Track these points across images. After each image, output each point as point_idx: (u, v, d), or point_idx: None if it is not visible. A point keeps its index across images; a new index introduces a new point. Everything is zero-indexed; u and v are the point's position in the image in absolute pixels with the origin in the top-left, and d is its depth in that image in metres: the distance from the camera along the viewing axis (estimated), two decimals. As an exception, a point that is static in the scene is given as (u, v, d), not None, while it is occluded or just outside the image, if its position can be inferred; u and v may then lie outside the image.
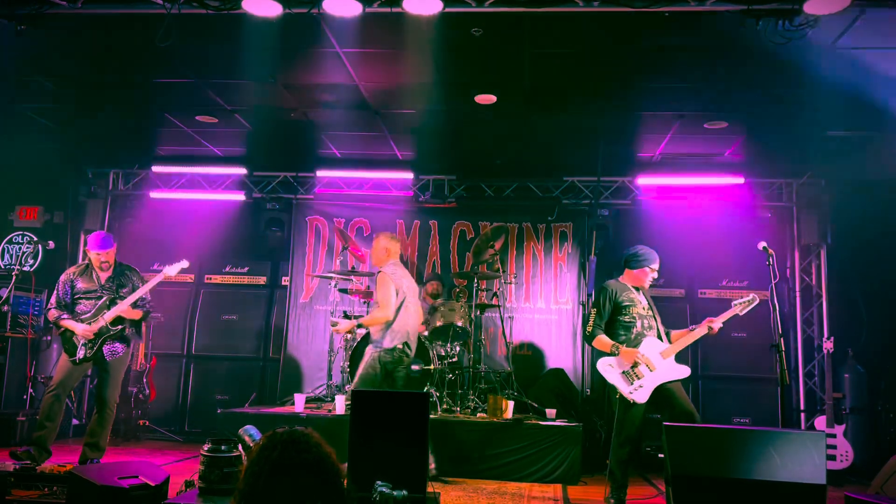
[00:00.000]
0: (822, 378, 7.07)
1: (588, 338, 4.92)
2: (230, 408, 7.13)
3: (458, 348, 6.98)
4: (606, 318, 4.86)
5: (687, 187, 8.06)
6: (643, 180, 8.12)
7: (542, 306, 8.08)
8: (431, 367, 6.61)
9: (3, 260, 8.51)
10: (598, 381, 7.74)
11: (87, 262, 5.48)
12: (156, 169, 8.61)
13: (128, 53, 5.73)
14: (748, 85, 5.93)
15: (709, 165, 7.89)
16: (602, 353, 4.79)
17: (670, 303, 7.84)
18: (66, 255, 8.38)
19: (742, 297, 4.78)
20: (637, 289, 4.95)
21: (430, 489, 3.96)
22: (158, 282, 5.49)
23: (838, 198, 7.65)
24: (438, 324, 6.71)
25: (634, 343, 4.76)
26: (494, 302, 7.32)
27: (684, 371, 4.74)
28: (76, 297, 5.35)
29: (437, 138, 7.49)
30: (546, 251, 8.21)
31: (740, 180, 7.88)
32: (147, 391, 7.69)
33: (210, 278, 8.52)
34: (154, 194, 8.62)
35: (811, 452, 3.56)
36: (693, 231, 7.95)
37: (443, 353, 6.85)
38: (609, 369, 4.74)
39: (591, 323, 4.90)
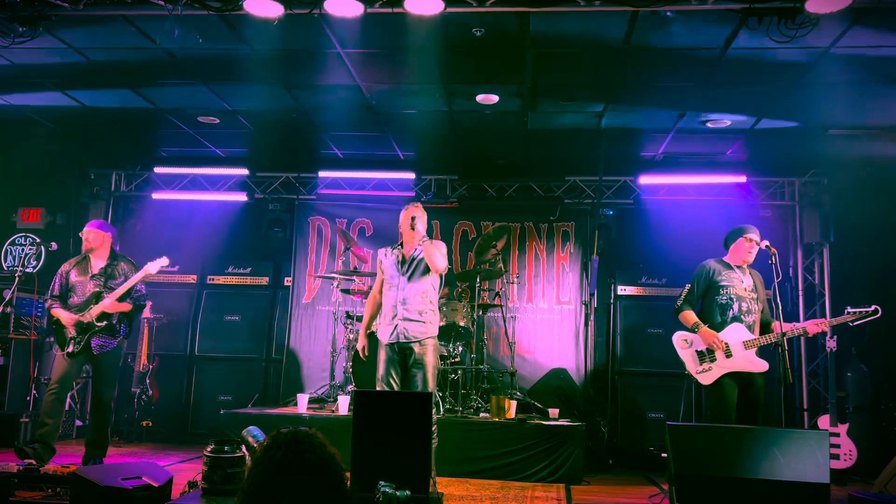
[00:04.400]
0: (825, 377, 7.05)
1: (675, 311, 4.98)
2: (233, 408, 7.14)
3: (460, 348, 6.99)
4: (698, 295, 4.90)
5: (689, 186, 8.06)
6: (645, 179, 8.11)
7: (544, 306, 8.08)
8: (434, 367, 6.60)
9: (6, 262, 8.52)
10: (601, 380, 7.77)
11: (84, 253, 5.47)
12: (158, 170, 8.62)
13: (129, 55, 5.74)
14: (750, 84, 5.93)
15: (711, 164, 7.89)
16: (684, 328, 4.86)
17: (673, 302, 7.81)
18: (69, 257, 8.33)
19: (859, 308, 4.69)
20: (740, 268, 4.88)
21: (433, 489, 3.96)
22: (141, 278, 5.44)
23: (841, 196, 7.63)
24: (441, 324, 6.69)
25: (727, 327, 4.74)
26: (497, 302, 7.32)
27: (762, 365, 4.65)
28: (69, 288, 5.36)
29: (439, 138, 7.50)
30: (548, 251, 8.20)
31: (742, 179, 7.87)
32: (150, 392, 7.70)
33: (213, 279, 8.52)
34: (156, 195, 8.63)
35: (815, 451, 3.56)
36: (695, 230, 7.92)
37: (445, 353, 6.85)
38: (683, 344, 4.82)
39: (681, 297, 4.96)
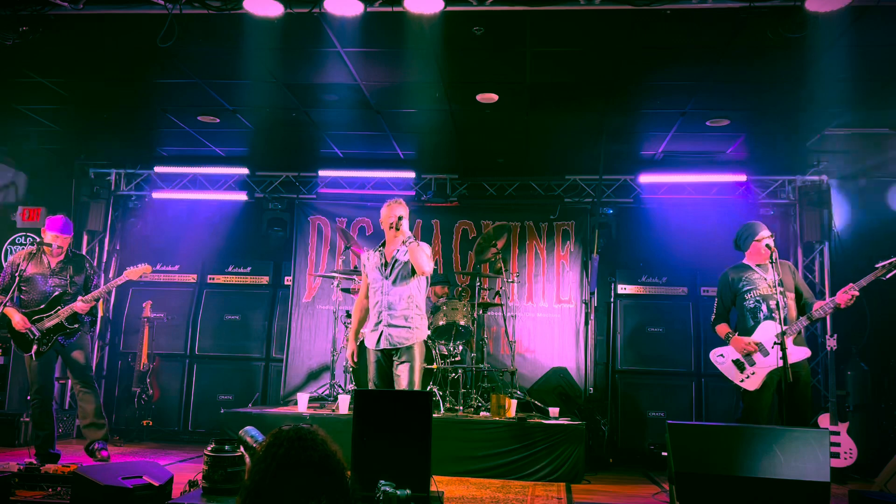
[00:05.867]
0: (825, 376, 7.05)
1: (711, 327, 5.04)
2: (233, 408, 7.15)
3: (460, 347, 6.99)
4: (727, 306, 4.95)
5: (689, 185, 8.05)
6: (645, 178, 8.11)
7: (544, 305, 8.08)
8: (434, 366, 6.61)
9: (6, 261, 8.51)
10: (601, 379, 7.78)
11: (37, 244, 5.40)
12: (158, 169, 8.62)
13: (129, 54, 5.74)
14: (750, 82, 5.93)
15: (711, 163, 7.88)
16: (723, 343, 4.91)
17: (674, 301, 7.84)
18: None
19: (888, 260, 4.49)
20: (761, 266, 4.87)
21: (433, 488, 3.96)
22: (120, 283, 5.49)
23: (840, 194, 7.63)
24: (441, 323, 6.71)
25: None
26: (497, 301, 7.32)
27: (803, 353, 4.59)
28: (23, 282, 5.29)
29: (439, 137, 7.50)
30: (548, 250, 8.21)
31: (742, 178, 7.88)
32: (150, 391, 7.71)
33: (213, 278, 8.53)
34: (156, 195, 8.63)
35: (815, 450, 3.56)
36: (695, 229, 7.95)
37: (445, 352, 6.86)
38: (720, 359, 4.83)
39: (714, 313, 5.02)
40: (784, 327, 4.56)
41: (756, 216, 7.94)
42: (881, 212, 7.22)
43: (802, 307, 4.84)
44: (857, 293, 4.56)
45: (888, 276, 4.53)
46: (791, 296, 4.81)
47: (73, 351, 5.31)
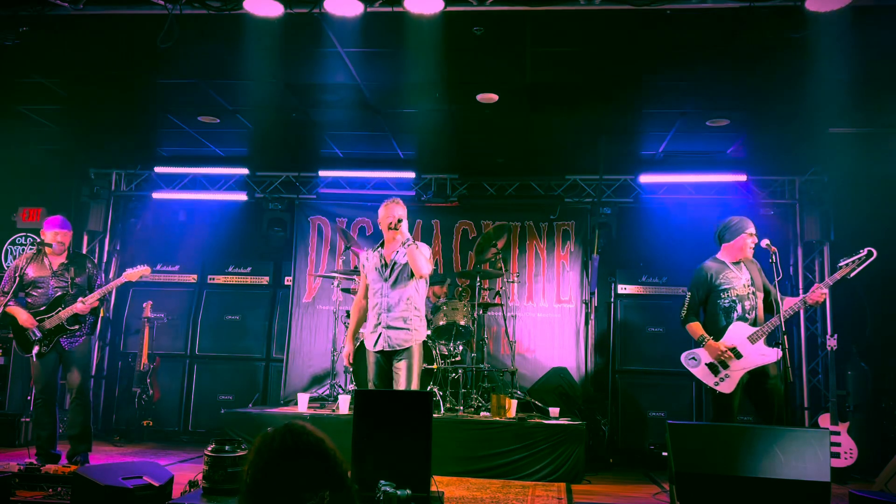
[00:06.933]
0: (825, 375, 7.05)
1: (682, 322, 4.88)
2: (234, 408, 7.15)
3: (461, 347, 6.99)
4: (701, 302, 4.82)
5: (689, 185, 8.05)
6: (645, 178, 8.11)
7: (544, 305, 8.08)
8: (434, 366, 6.61)
9: (6, 261, 8.52)
10: (601, 379, 7.77)
11: (37, 247, 5.38)
12: (158, 169, 8.62)
13: (129, 54, 5.74)
14: (750, 82, 5.92)
15: (711, 163, 7.88)
16: (688, 336, 4.82)
17: (674, 301, 7.83)
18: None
19: (851, 258, 4.47)
20: (737, 264, 4.79)
21: (433, 488, 3.97)
22: (119, 284, 5.48)
23: (841, 194, 7.62)
24: (441, 323, 6.71)
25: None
26: (497, 301, 7.32)
27: (775, 355, 4.48)
28: (27, 285, 5.28)
29: (439, 137, 7.50)
30: (549, 250, 8.21)
31: (743, 178, 7.87)
32: (151, 391, 7.71)
33: (213, 279, 8.53)
34: (157, 195, 8.63)
35: (815, 450, 3.56)
36: (696, 229, 7.91)
37: (446, 352, 6.85)
38: (692, 363, 4.73)
39: (685, 307, 4.87)
40: (755, 328, 4.61)
41: (756, 216, 7.91)
42: (882, 211, 7.20)
43: (770, 305, 4.73)
44: (825, 291, 4.58)
45: (853, 275, 4.54)
46: (760, 295, 4.76)
47: (74, 356, 5.30)
